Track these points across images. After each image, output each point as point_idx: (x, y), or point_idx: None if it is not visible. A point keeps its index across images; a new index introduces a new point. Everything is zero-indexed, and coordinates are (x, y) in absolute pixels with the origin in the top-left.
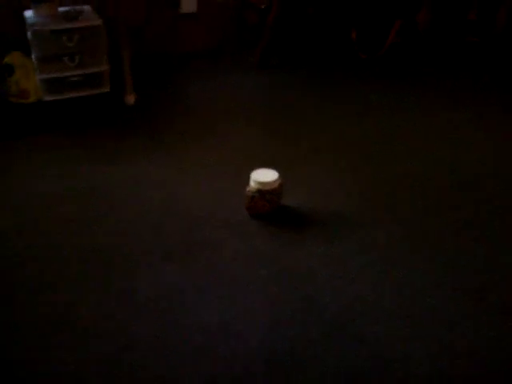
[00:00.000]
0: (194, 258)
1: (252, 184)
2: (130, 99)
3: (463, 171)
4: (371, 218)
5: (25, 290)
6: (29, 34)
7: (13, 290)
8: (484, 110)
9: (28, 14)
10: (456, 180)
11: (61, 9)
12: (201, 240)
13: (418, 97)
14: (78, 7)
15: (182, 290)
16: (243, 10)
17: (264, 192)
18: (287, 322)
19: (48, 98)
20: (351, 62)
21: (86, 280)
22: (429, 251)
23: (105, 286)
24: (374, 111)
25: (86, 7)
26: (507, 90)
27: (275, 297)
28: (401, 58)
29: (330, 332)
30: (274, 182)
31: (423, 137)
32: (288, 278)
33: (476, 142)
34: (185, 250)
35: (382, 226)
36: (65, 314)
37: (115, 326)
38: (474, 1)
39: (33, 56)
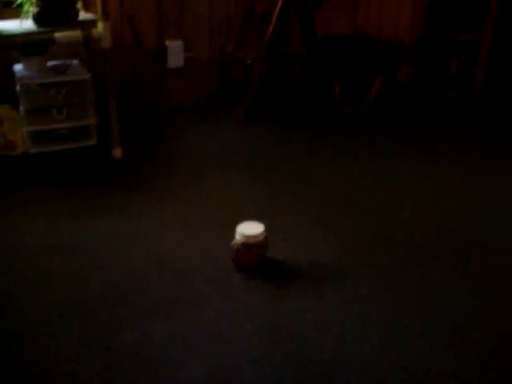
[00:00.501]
0: (179, 314)
1: (237, 237)
2: (117, 152)
3: (443, 217)
4: (353, 271)
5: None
6: (18, 87)
7: None
8: (463, 158)
9: (17, 67)
10: (436, 226)
11: (50, 63)
12: (186, 295)
13: (400, 149)
14: (67, 61)
15: (165, 346)
16: (229, 65)
17: (249, 245)
18: (271, 379)
19: (34, 150)
20: (335, 116)
21: (66, 335)
22: (409, 303)
23: (87, 341)
24: (358, 163)
25: (75, 61)
26: (483, 138)
27: (259, 352)
28: (384, 112)
29: None
30: (260, 234)
31: (405, 186)
32: (272, 333)
33: (454, 188)
34: (170, 306)
35: (364, 280)
36: (45, 370)
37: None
38: (454, 55)
39: (21, 108)
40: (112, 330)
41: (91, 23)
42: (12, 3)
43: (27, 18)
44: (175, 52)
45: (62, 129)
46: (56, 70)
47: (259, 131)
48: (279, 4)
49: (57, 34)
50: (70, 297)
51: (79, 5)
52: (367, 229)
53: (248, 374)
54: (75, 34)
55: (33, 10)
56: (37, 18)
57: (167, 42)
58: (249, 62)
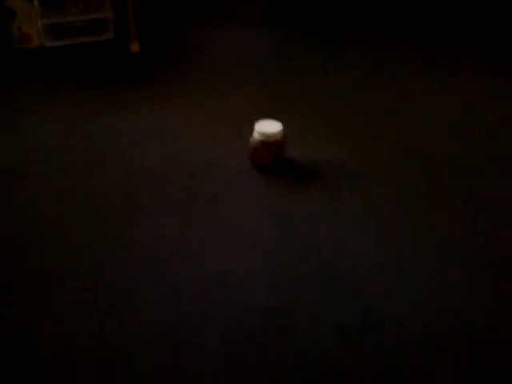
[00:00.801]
0: (195, 208)
1: (256, 135)
2: (135, 47)
3: (466, 127)
4: (372, 174)
5: (18, 236)
6: None
7: (13, 234)
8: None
9: None
10: (461, 146)
11: None
12: (202, 190)
13: (424, 53)
14: None
15: (180, 241)
16: None
17: (267, 143)
18: (286, 274)
19: (50, 43)
20: (360, 16)
21: (86, 226)
22: (431, 214)
23: (105, 232)
24: (378, 66)
25: None
26: None
27: (275, 249)
28: (412, 11)
29: (327, 287)
30: (278, 133)
31: (429, 95)
32: (289, 231)
33: (478, 100)
34: (186, 199)
35: (382, 184)
36: (62, 265)
37: (115, 275)
38: None
39: (35, 0)
40: (128, 227)
41: None
42: None
43: None
44: None
45: (78, 22)
46: None
47: (279, 30)
48: None
49: None
50: (85, 193)
51: None
52: (388, 135)
53: (262, 271)
54: None
55: None
56: None
57: None
58: None
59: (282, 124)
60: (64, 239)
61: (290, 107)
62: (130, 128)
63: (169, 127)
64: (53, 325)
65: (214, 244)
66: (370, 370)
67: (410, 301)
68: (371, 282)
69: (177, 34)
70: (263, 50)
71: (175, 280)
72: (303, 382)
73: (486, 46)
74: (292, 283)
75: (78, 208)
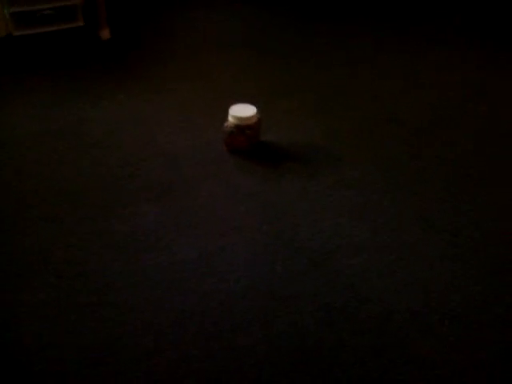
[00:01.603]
0: (171, 196)
1: (230, 119)
2: (105, 33)
3: (444, 111)
4: (348, 154)
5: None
6: None
7: None
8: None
9: None
10: (435, 120)
11: None
12: (178, 178)
13: (404, 34)
14: None
15: (159, 228)
16: None
17: (242, 127)
18: (265, 259)
19: (18, 32)
20: None
21: (61, 215)
22: (405, 188)
23: (80, 225)
24: (358, 44)
25: None
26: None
27: (253, 233)
28: None
29: (308, 267)
30: (253, 117)
31: (408, 71)
32: (266, 214)
33: (458, 73)
34: (162, 188)
35: (359, 163)
36: (40, 248)
37: (92, 264)
38: None
39: None
40: (104, 215)
41: None
42: None
43: None
44: None
45: (46, 9)
46: None
47: (255, 12)
48: None
49: None
50: (61, 182)
51: None
52: (362, 114)
53: (241, 254)
54: None
55: None
56: None
57: None
58: None
59: (257, 108)
60: (39, 228)
61: (264, 91)
62: (103, 116)
63: (142, 114)
64: (34, 317)
65: (192, 229)
66: (352, 349)
67: (391, 279)
68: (351, 262)
69: (148, 20)
70: (237, 35)
71: (154, 268)
72: (287, 363)
73: (474, 30)
74: (271, 265)
75: (52, 197)
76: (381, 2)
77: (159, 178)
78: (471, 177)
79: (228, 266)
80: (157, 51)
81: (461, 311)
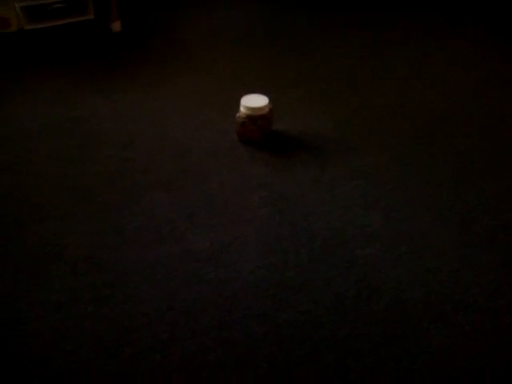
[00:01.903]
0: (183, 187)
1: (242, 110)
2: (116, 26)
3: (453, 95)
4: (360, 144)
5: (12, 221)
6: None
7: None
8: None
9: None
10: (447, 111)
11: None
12: (190, 168)
13: (413, 21)
14: None
15: (171, 219)
16: None
17: (255, 117)
18: (278, 248)
19: (30, 26)
20: None
21: (73, 211)
22: (416, 178)
23: (93, 217)
24: (365, 36)
25: None
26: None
27: (266, 223)
28: None
29: (320, 256)
30: (265, 107)
31: (415, 63)
32: (279, 204)
33: (468, 66)
34: (174, 179)
35: (370, 153)
36: (53, 245)
37: (106, 257)
38: None
39: None
40: (116, 210)
41: None
42: None
43: None
44: None
45: (57, 3)
46: None
47: (267, 7)
48: None
49: None
50: (72, 179)
51: None
52: (374, 104)
53: (254, 244)
54: None
55: None
56: None
57: None
58: None
59: (268, 98)
60: (54, 225)
61: (276, 81)
62: (116, 110)
63: (154, 107)
64: (50, 312)
65: (205, 220)
66: (366, 339)
67: (404, 268)
68: (364, 251)
69: (159, 12)
70: (250, 27)
71: (168, 259)
72: (301, 354)
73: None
74: (284, 255)
75: (62, 194)
76: None
77: (171, 169)
78: (482, 167)
79: (241, 256)
80: (167, 44)
81: (474, 299)
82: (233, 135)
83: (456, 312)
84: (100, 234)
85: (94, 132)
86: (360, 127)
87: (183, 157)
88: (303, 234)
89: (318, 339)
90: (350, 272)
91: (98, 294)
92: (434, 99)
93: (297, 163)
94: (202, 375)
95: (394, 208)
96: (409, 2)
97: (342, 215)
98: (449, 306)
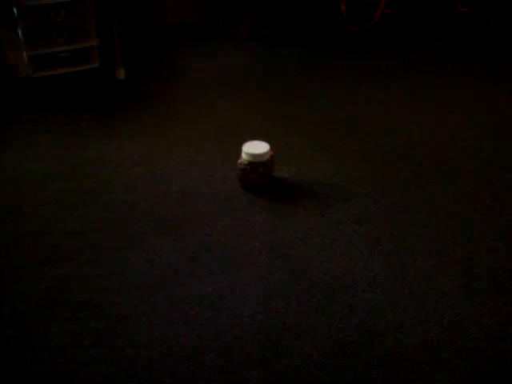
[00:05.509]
0: (185, 233)
1: (244, 156)
2: (121, 74)
3: (453, 139)
4: (360, 190)
5: (16, 265)
6: (15, 9)
7: (3, 265)
8: (474, 80)
9: None
10: (445, 148)
11: None
12: (192, 214)
13: (407, 68)
14: None
15: (173, 264)
16: None
17: (256, 164)
18: (278, 294)
19: (36, 74)
20: (341, 34)
21: (75, 255)
22: (417, 222)
23: (96, 262)
24: (363, 82)
25: None
26: (496, 59)
27: (267, 269)
28: (391, 30)
29: (321, 302)
30: (266, 153)
31: (413, 107)
32: (280, 250)
33: (464, 110)
34: (176, 224)
35: (370, 198)
36: (55, 288)
37: (108, 301)
38: None
39: (19, 32)
40: (118, 254)
41: None
42: None
43: None
44: None
45: (63, 52)
46: None
47: (262, 51)
48: None
49: None
50: (73, 223)
51: None
52: (373, 150)
53: (255, 289)
54: None
55: None
56: None
57: None
58: None
59: (269, 144)
60: (56, 269)
61: (274, 128)
62: (119, 156)
63: (158, 152)
64: (50, 352)
65: (207, 265)
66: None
67: (405, 313)
68: (365, 296)
69: (163, 60)
70: (248, 72)
71: (169, 304)
72: None
73: (467, 58)
74: (285, 300)
75: (64, 238)
76: (388, 40)
77: (173, 215)
78: (483, 210)
79: (242, 301)
80: (170, 90)
81: (476, 344)
82: (234, 181)
83: (458, 357)
84: (102, 277)
85: (98, 177)
86: (360, 173)
87: (185, 202)
88: (304, 280)
89: None
90: (352, 317)
91: (98, 338)
92: (435, 143)
93: (298, 209)
94: None
95: (394, 252)
96: (407, 49)
97: (342, 260)
98: (450, 350)
